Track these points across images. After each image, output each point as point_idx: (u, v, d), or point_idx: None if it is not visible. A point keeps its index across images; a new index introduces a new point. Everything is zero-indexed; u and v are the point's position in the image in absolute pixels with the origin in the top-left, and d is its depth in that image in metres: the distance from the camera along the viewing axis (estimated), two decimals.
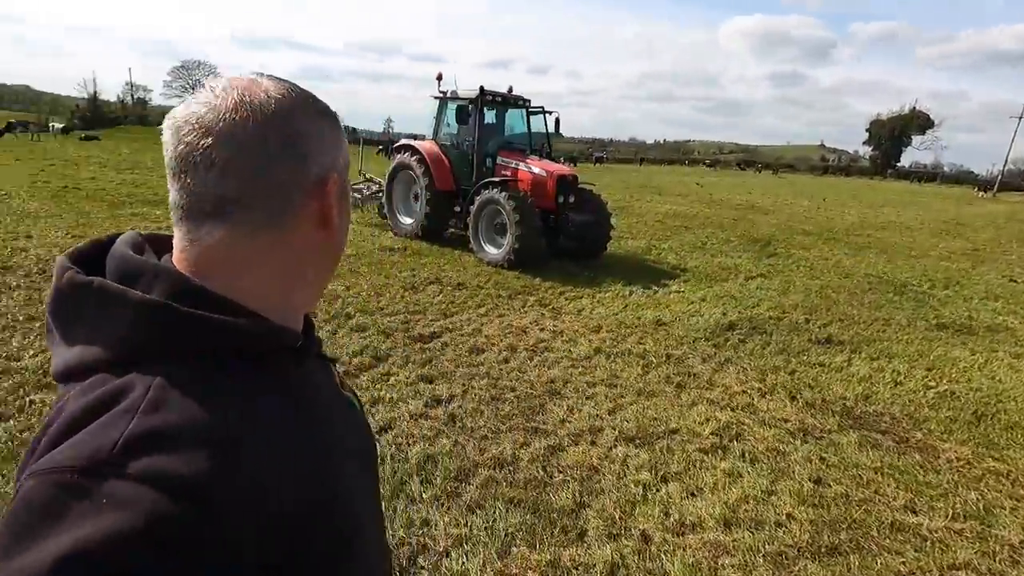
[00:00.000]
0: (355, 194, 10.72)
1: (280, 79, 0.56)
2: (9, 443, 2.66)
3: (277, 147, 0.52)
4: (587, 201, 8.07)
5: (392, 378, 3.77)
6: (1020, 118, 58.33)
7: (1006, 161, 61.68)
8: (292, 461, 0.48)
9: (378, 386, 3.64)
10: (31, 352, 3.63)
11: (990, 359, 4.99)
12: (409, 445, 2.97)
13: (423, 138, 8.99)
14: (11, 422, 2.85)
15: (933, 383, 4.34)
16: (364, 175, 11.72)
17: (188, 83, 70.87)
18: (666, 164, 69.43)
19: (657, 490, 2.79)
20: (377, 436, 3.04)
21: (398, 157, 8.69)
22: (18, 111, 53.98)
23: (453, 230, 8.87)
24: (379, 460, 2.81)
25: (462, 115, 7.72)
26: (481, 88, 7.92)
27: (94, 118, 46.23)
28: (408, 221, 8.79)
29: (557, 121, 8.79)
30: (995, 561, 2.41)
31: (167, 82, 71.62)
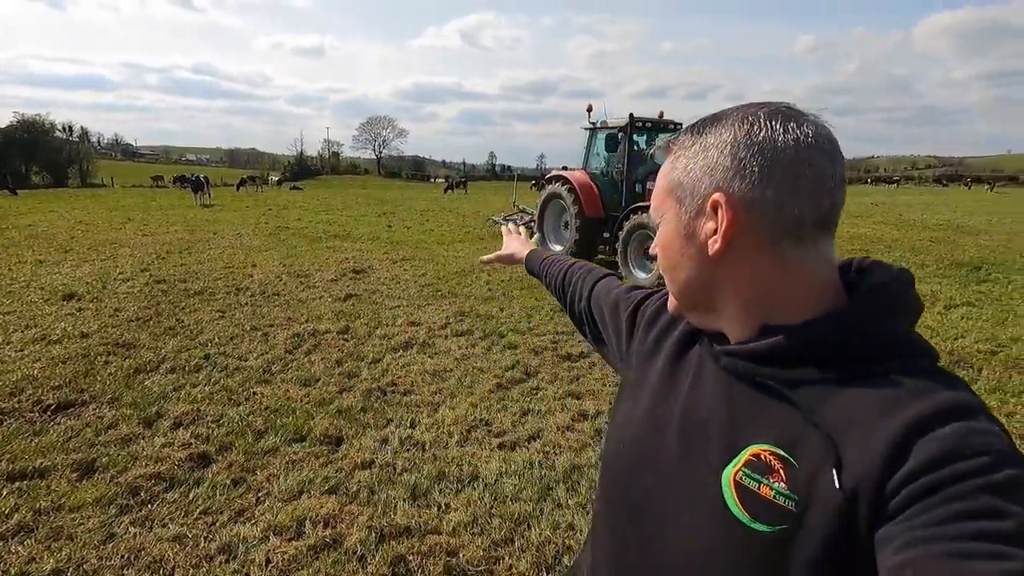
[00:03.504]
0: (508, 223, 11.38)
1: None
2: (240, 423, 3.30)
3: None
4: None
5: (541, 392, 3.93)
6: None
7: None
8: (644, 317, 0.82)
9: (528, 398, 3.82)
10: (255, 355, 4.47)
11: None
12: (556, 454, 3.07)
13: (573, 169, 9.29)
14: (241, 407, 3.54)
15: None
16: (516, 206, 12.39)
17: (371, 135, 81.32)
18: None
19: None
20: (526, 443, 3.20)
21: (549, 187, 9.09)
22: (249, 169, 66.66)
23: (602, 256, 8.95)
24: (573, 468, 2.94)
25: (611, 143, 7.87)
26: (631, 116, 8.01)
27: (300, 171, 55.30)
28: (558, 248, 9.08)
29: None
30: None
31: (355, 136, 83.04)
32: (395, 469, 2.88)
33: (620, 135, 7.98)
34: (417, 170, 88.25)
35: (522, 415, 3.57)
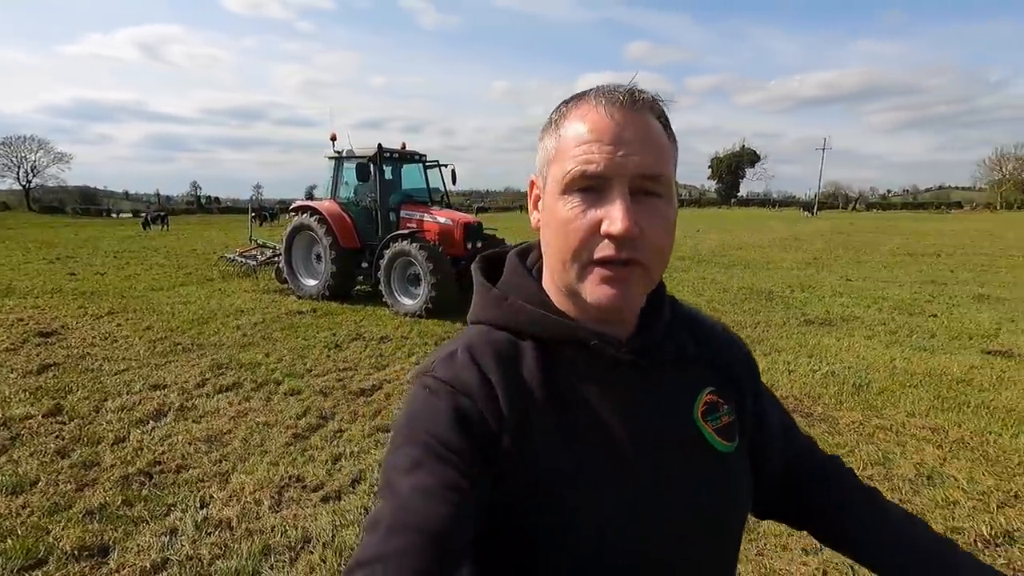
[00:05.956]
0: (248, 261, 10.20)
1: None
2: None
3: None
4: (493, 246, 8.43)
5: (346, 433, 3.68)
6: (823, 149, 70.76)
7: (819, 186, 74.07)
8: (502, 398, 0.60)
9: (334, 443, 3.54)
10: None
11: (851, 343, 5.95)
12: None
13: (321, 199, 8.90)
14: None
15: (816, 367, 5.10)
16: (254, 240, 11.19)
17: (13, 161, 62.83)
18: None
19: None
20: (351, 488, 2.98)
21: (296, 219, 8.52)
22: None
23: (360, 288, 8.76)
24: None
25: (362, 172, 7.81)
26: (379, 145, 8.10)
27: None
28: (312, 283, 8.55)
29: (453, 172, 9.18)
30: (901, 493, 2.93)
31: None
32: (202, 560, 2.36)
33: (370, 164, 7.98)
34: (89, 203, 71.35)
35: (335, 461, 3.30)
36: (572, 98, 0.62)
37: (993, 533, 2.55)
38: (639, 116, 0.58)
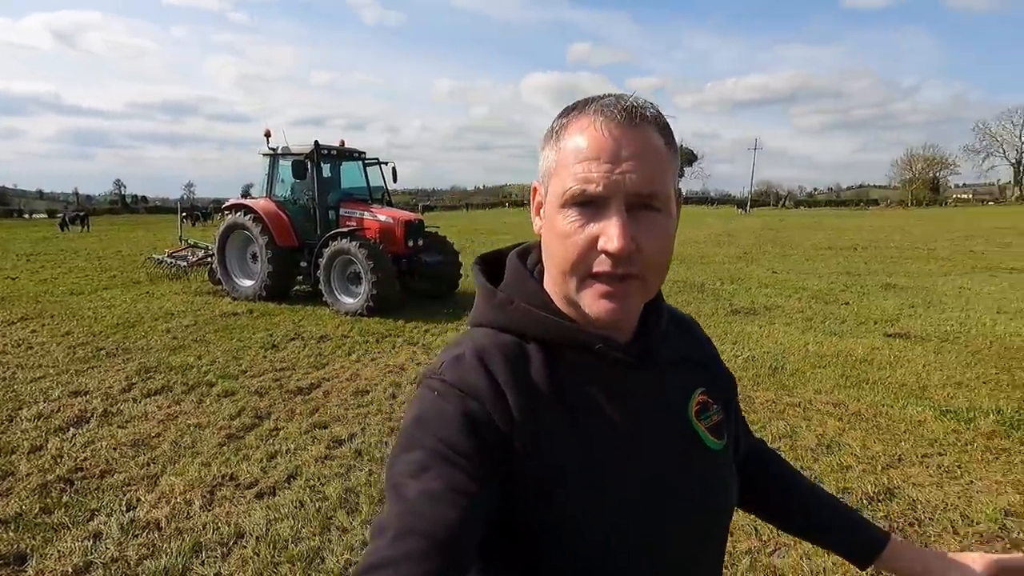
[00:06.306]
0: (179, 262, 9.78)
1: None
2: None
3: None
4: (434, 243, 8.47)
5: (282, 432, 3.66)
6: (755, 149, 74.71)
7: (751, 184, 78.10)
8: (511, 400, 0.60)
9: (270, 442, 3.52)
10: None
11: (771, 330, 6.38)
12: (324, 485, 2.96)
13: (256, 198, 8.65)
14: None
15: (739, 352, 5.46)
16: (185, 240, 10.72)
17: None
18: (489, 208, 73.59)
19: None
20: (286, 484, 2.98)
21: (229, 217, 8.26)
22: None
23: (299, 287, 8.58)
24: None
25: (299, 170, 7.67)
26: (316, 143, 7.97)
27: None
28: (248, 283, 8.31)
29: (394, 170, 9.13)
30: (803, 461, 3.23)
31: None
32: (129, 561, 2.33)
33: (307, 162, 7.83)
34: None
35: (270, 459, 3.29)
36: (574, 107, 0.62)
37: (877, 491, 2.87)
38: (638, 132, 0.58)
